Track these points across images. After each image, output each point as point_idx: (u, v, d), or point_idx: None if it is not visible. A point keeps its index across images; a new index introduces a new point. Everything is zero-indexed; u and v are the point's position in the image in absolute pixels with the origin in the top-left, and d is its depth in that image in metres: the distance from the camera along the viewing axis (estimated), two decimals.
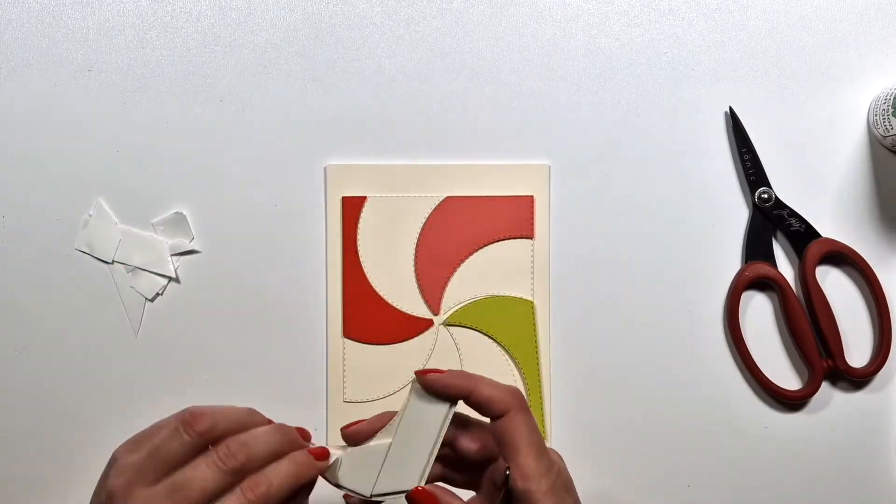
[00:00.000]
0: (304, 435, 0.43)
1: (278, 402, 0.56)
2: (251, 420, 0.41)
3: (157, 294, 0.56)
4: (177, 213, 0.56)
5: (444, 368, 0.43)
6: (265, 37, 0.57)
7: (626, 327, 0.57)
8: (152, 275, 0.56)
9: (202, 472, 0.39)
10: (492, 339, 0.57)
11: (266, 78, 0.57)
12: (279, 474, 0.40)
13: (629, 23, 0.57)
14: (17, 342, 0.56)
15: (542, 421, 0.56)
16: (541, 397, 0.56)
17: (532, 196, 0.57)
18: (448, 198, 0.57)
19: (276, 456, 0.40)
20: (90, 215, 0.56)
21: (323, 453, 0.42)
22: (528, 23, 0.57)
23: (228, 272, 0.56)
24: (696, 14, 0.57)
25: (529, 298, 0.56)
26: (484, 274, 0.57)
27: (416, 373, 0.43)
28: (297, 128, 0.57)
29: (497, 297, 0.57)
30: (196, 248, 0.57)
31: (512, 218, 0.57)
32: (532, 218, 0.57)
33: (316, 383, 0.56)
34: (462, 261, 0.57)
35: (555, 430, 0.56)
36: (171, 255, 0.56)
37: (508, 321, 0.56)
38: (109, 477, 0.40)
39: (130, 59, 0.57)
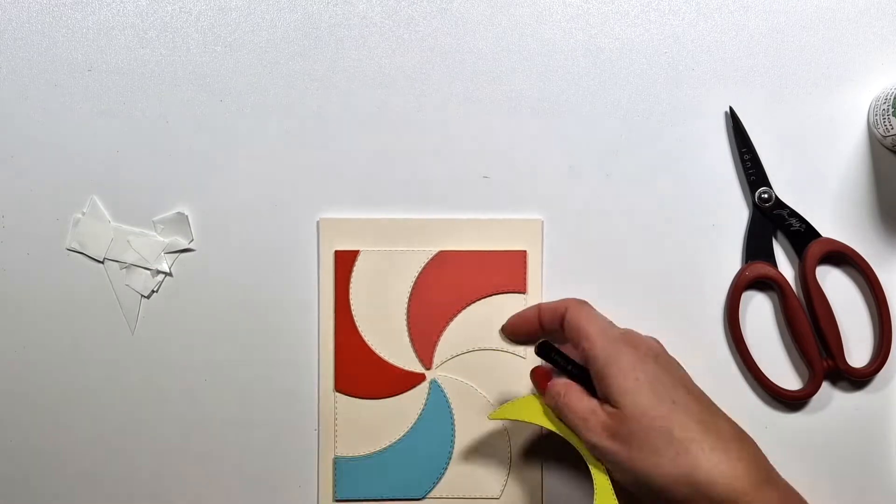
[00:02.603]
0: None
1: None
2: None
3: (153, 291, 0.56)
4: (178, 212, 0.56)
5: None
6: (265, 37, 0.57)
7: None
8: (147, 271, 0.56)
9: None
10: (483, 392, 0.56)
11: (266, 78, 0.57)
12: None
13: (629, 23, 0.57)
14: (16, 342, 0.56)
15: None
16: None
17: (525, 251, 0.57)
18: (441, 252, 0.57)
19: None
20: (83, 214, 0.56)
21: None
22: (528, 23, 0.57)
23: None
24: (696, 14, 0.57)
25: (522, 356, 0.56)
26: (476, 328, 0.56)
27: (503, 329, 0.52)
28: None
29: (489, 350, 0.57)
30: (193, 247, 0.57)
31: (504, 272, 0.57)
32: (525, 272, 0.57)
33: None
34: (454, 315, 0.57)
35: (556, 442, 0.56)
36: (168, 252, 0.56)
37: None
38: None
39: (130, 59, 0.57)
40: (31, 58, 0.57)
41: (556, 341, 0.50)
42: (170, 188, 0.57)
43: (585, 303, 0.50)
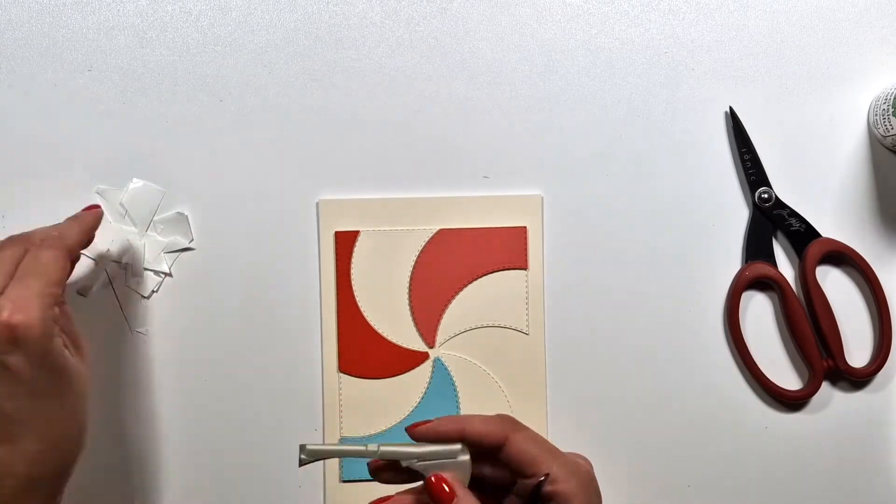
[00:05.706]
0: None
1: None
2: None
3: (153, 291, 0.56)
4: (178, 212, 0.56)
5: (432, 418, 0.45)
6: (265, 37, 0.57)
7: (624, 329, 0.57)
8: (147, 272, 0.56)
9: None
10: (487, 370, 0.57)
11: (266, 78, 0.57)
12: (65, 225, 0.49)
13: (629, 23, 0.57)
14: None
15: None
16: (546, 415, 0.56)
17: (525, 227, 0.57)
18: (441, 230, 0.57)
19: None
20: None
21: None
22: (528, 23, 0.57)
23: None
24: (696, 14, 0.57)
25: (525, 331, 0.56)
26: (479, 306, 0.56)
27: (408, 429, 0.44)
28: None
29: (492, 328, 0.57)
30: (193, 247, 0.57)
31: (505, 249, 0.57)
32: (525, 248, 0.57)
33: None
34: (456, 293, 0.57)
35: (559, 420, 0.56)
36: (168, 252, 0.56)
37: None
38: None
39: (130, 59, 0.57)
40: (31, 58, 0.57)
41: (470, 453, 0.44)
42: (170, 188, 0.56)
43: (524, 429, 0.45)
